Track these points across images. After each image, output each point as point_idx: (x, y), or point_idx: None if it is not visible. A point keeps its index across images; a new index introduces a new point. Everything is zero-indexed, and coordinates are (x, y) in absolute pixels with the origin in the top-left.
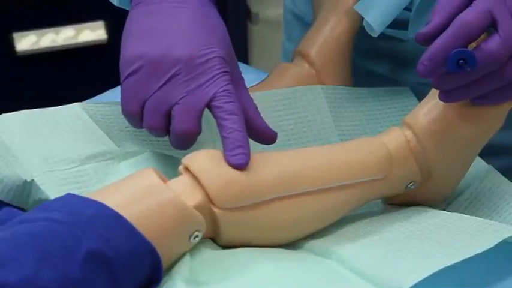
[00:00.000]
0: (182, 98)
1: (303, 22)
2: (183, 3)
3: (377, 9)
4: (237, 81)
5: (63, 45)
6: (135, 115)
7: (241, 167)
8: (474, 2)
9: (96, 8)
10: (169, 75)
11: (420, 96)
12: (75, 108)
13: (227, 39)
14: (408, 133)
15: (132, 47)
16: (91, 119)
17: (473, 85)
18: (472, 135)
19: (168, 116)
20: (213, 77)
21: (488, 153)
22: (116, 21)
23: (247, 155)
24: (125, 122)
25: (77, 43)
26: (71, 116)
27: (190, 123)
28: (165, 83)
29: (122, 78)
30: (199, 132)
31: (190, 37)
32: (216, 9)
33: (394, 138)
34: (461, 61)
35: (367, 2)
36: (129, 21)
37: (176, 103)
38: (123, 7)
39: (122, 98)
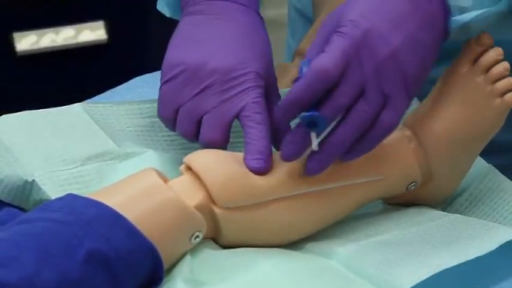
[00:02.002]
0: (213, 108)
1: (306, 18)
2: (227, 16)
3: None
4: (272, 96)
5: (63, 45)
6: (169, 120)
7: (259, 171)
8: (328, 45)
9: (96, 8)
10: (204, 85)
11: (420, 95)
12: (75, 108)
13: (266, 54)
14: (409, 134)
15: (173, 54)
16: (92, 119)
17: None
18: (473, 136)
19: (199, 124)
20: (245, 89)
21: (489, 151)
22: (116, 21)
23: (268, 162)
24: (126, 122)
25: (77, 43)
26: (71, 116)
27: (216, 133)
28: (200, 92)
29: (160, 83)
30: (225, 142)
31: (229, 50)
32: (262, 21)
33: (395, 139)
34: (311, 123)
35: None
36: (176, 30)
37: (207, 112)
38: (174, 18)
39: (158, 102)
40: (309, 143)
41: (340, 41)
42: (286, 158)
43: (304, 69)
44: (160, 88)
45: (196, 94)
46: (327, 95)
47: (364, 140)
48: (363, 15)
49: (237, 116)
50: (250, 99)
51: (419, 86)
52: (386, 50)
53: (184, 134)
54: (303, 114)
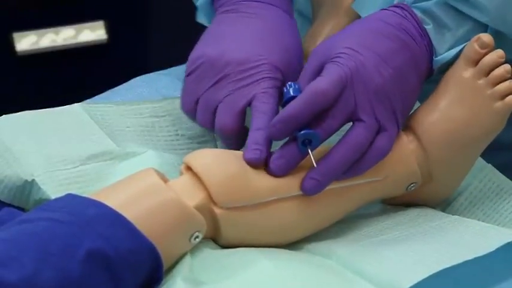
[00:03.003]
0: (226, 96)
1: (305, 17)
2: (255, 14)
3: (372, 7)
4: None
5: (63, 45)
6: (191, 111)
7: (253, 161)
8: (324, 70)
9: (96, 8)
10: (220, 75)
11: (420, 95)
12: (75, 108)
13: (290, 50)
14: (409, 135)
15: (196, 49)
16: (92, 119)
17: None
18: (474, 138)
19: (215, 114)
20: (258, 80)
21: (488, 149)
22: (116, 21)
23: (263, 152)
24: (126, 122)
25: (77, 43)
26: (71, 116)
27: (228, 120)
28: (216, 82)
29: (184, 76)
30: (237, 129)
31: (248, 43)
32: (292, 21)
33: (395, 140)
34: (306, 140)
35: (363, 0)
36: (207, 28)
37: (221, 101)
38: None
39: (181, 95)
40: (299, 158)
41: (336, 68)
42: (275, 173)
43: (291, 91)
44: (183, 81)
45: (213, 85)
46: (320, 116)
47: (359, 163)
48: (355, 49)
49: (250, 106)
50: (260, 88)
51: (404, 119)
52: (378, 81)
53: (203, 123)
54: (298, 132)
